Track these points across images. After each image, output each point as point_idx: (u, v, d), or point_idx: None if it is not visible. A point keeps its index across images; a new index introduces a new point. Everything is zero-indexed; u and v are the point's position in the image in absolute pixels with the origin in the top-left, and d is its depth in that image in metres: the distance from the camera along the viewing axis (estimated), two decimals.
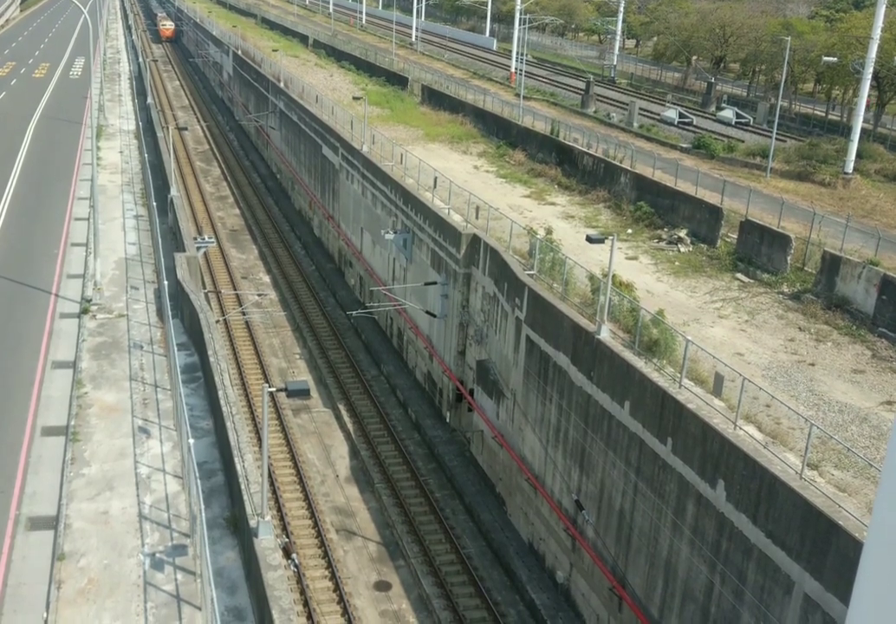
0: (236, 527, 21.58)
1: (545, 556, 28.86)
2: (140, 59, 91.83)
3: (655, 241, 37.22)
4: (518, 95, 64.97)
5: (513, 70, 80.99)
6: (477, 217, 36.86)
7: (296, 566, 27.90)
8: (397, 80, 75.59)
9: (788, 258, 32.27)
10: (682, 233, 36.83)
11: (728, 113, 62.95)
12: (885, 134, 58.27)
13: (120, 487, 22.77)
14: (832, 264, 29.88)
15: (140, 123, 62.25)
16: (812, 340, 27.38)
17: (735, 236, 35.22)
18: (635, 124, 59.39)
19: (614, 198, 42.26)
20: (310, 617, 26.25)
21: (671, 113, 62.33)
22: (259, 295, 49.31)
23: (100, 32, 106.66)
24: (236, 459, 22.02)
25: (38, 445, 24.35)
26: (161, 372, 28.76)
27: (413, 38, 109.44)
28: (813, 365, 25.67)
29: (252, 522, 19.81)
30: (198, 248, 36.42)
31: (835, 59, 52.46)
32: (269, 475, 28.88)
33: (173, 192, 43.48)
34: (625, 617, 24.24)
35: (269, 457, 23.09)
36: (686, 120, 61.14)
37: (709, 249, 35.61)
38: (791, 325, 28.55)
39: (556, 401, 27.34)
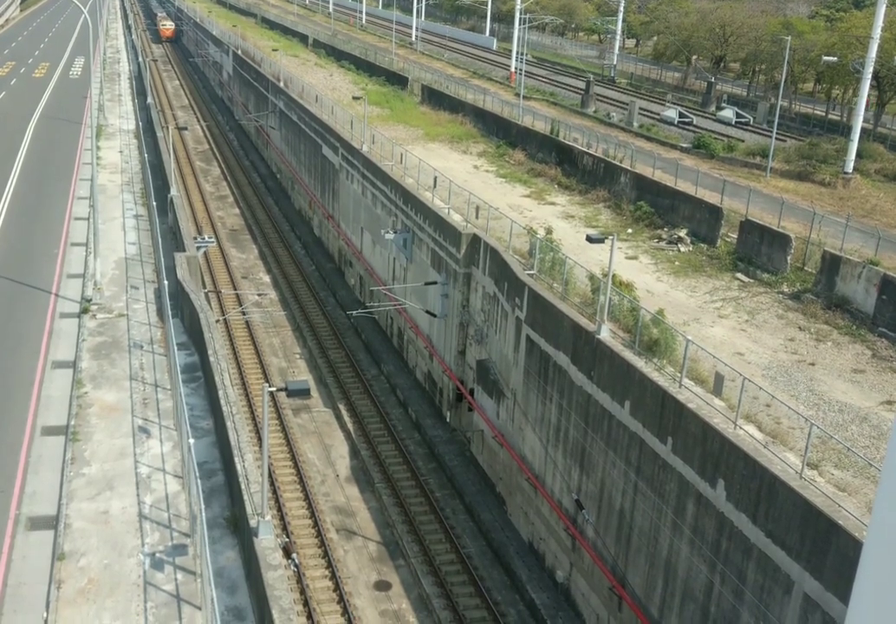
0: (236, 526, 21.58)
1: (545, 555, 28.87)
2: (140, 59, 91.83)
3: (655, 240, 37.22)
4: (518, 95, 64.97)
5: (513, 70, 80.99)
6: (477, 217, 36.86)
7: (296, 566, 27.91)
8: (397, 80, 75.58)
9: (788, 258, 32.27)
10: (682, 232, 36.83)
11: (728, 112, 62.95)
12: (885, 134, 58.27)
13: (120, 486, 22.77)
14: (832, 264, 29.89)
15: (140, 123, 62.25)
16: (812, 340, 27.39)
17: (735, 236, 35.21)
18: (635, 124, 59.39)
19: (614, 197, 42.26)
20: (310, 617, 26.25)
21: (671, 113, 62.33)
22: (259, 295, 49.31)
23: (100, 32, 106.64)
24: (236, 459, 22.02)
25: (38, 445, 24.35)
26: (161, 372, 28.77)
27: (413, 38, 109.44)
28: (813, 365, 25.67)
29: (252, 522, 19.81)
30: (198, 248, 36.43)
31: (835, 58, 52.46)
32: (270, 475, 28.88)
33: (173, 191, 43.48)
34: (625, 617, 24.25)
35: (269, 456, 23.09)
36: (686, 120, 61.14)
37: (709, 249, 35.61)
38: (791, 324, 28.56)
39: (556, 400, 27.34)
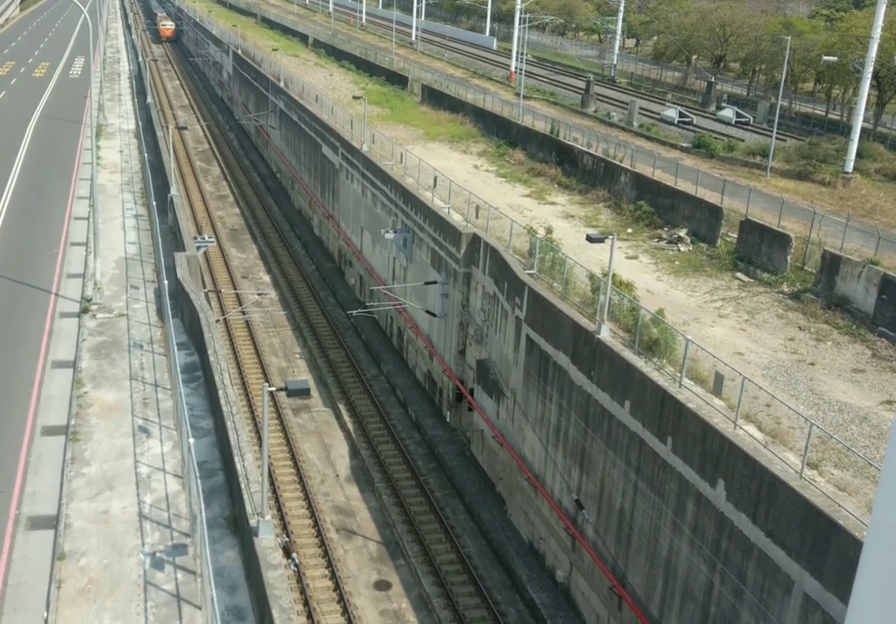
0: (236, 526, 21.59)
1: (545, 555, 28.87)
2: (140, 59, 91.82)
3: (655, 240, 37.22)
4: (518, 95, 64.96)
5: (513, 69, 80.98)
6: (477, 216, 36.86)
7: (296, 565, 27.91)
8: (397, 80, 75.58)
9: (788, 257, 32.27)
10: (682, 232, 36.83)
11: (728, 112, 62.94)
12: (885, 133, 58.26)
13: (120, 486, 22.77)
14: (832, 264, 29.88)
15: (140, 123, 62.24)
16: (812, 340, 27.39)
17: (735, 236, 35.21)
18: (635, 124, 59.39)
19: (614, 197, 42.26)
20: (310, 616, 26.26)
21: (671, 112, 62.32)
22: (259, 294, 49.31)
23: (99, 32, 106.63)
24: (236, 459, 22.02)
25: (38, 445, 24.35)
26: (161, 371, 28.77)
27: (413, 38, 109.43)
28: (813, 364, 25.67)
29: (252, 522, 19.82)
30: (198, 248, 36.42)
31: (835, 58, 52.44)
32: (270, 475, 28.88)
33: (173, 191, 43.48)
34: (625, 616, 24.25)
35: (269, 456, 23.09)
36: (686, 119, 61.14)
37: (709, 249, 35.61)
38: (791, 324, 28.55)
39: (556, 400, 27.34)
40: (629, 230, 38.33)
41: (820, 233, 33.72)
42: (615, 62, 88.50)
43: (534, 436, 29.02)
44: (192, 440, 20.48)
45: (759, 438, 20.71)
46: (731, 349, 26.32)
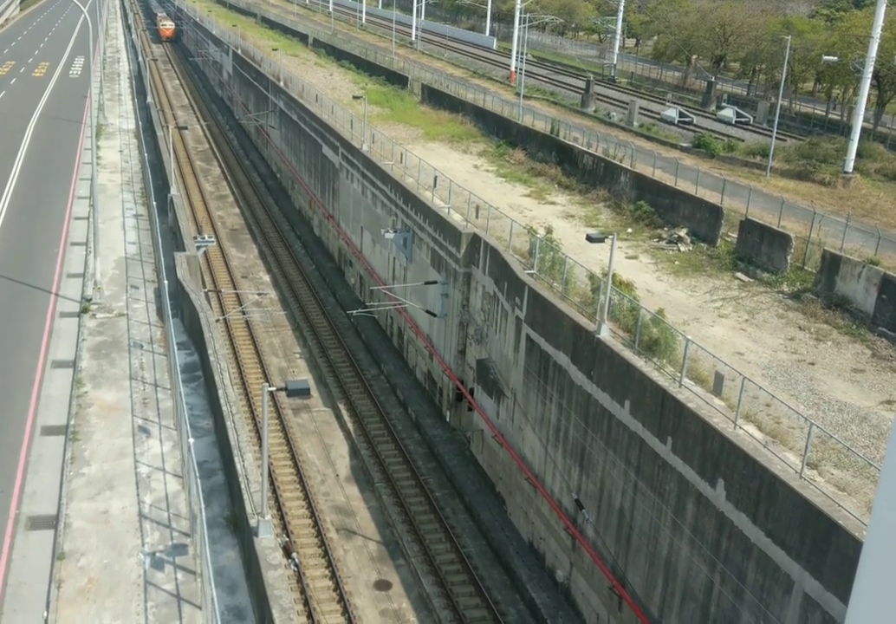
0: (236, 526, 21.59)
1: (545, 555, 28.87)
2: (140, 59, 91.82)
3: (655, 240, 37.22)
4: (518, 94, 64.96)
5: (513, 69, 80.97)
6: (477, 216, 36.86)
7: (296, 565, 27.91)
8: (397, 80, 75.58)
9: (788, 257, 32.27)
10: (682, 232, 36.82)
11: (728, 112, 62.94)
12: (886, 133, 58.26)
13: (120, 486, 22.77)
14: (832, 264, 29.88)
15: (140, 122, 62.24)
16: (812, 340, 27.38)
17: (735, 235, 35.21)
18: (635, 123, 59.38)
19: (614, 197, 42.26)
20: (310, 616, 26.26)
21: (671, 112, 62.32)
22: (259, 294, 49.31)
23: (99, 32, 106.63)
24: (236, 459, 22.02)
25: (38, 445, 24.35)
26: (161, 371, 28.77)
27: (413, 38, 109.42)
28: (813, 364, 25.67)
29: (252, 522, 19.81)
30: (198, 248, 36.42)
31: (835, 58, 52.44)
32: (269, 474, 28.88)
33: (173, 191, 43.48)
34: (625, 616, 24.25)
35: (269, 456, 23.09)
36: (686, 119, 61.13)
37: (709, 249, 35.61)
38: (791, 324, 28.55)
39: (556, 400, 27.34)
40: (629, 230, 38.33)
41: (820, 233, 33.71)
42: (615, 62, 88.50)
43: (534, 436, 29.01)
44: (191, 440, 20.48)
45: (759, 437, 20.71)
46: (731, 349, 26.32)
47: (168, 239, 39.23)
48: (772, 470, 18.46)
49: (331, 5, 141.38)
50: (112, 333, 31.44)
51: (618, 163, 44.06)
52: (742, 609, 19.55)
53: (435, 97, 67.09)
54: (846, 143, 47.32)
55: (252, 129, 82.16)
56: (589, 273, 29.11)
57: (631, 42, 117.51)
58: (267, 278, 52.77)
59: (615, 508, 24.49)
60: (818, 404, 23.38)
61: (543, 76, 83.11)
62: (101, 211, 42.73)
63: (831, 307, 29.15)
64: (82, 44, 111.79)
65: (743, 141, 55.00)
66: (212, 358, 26.98)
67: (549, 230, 35.07)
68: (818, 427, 19.69)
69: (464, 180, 44.15)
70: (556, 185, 45.80)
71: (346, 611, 26.87)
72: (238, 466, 21.74)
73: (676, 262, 34.47)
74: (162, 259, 33.32)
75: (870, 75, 47.25)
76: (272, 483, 31.54)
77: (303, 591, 27.04)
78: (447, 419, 37.06)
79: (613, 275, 25.32)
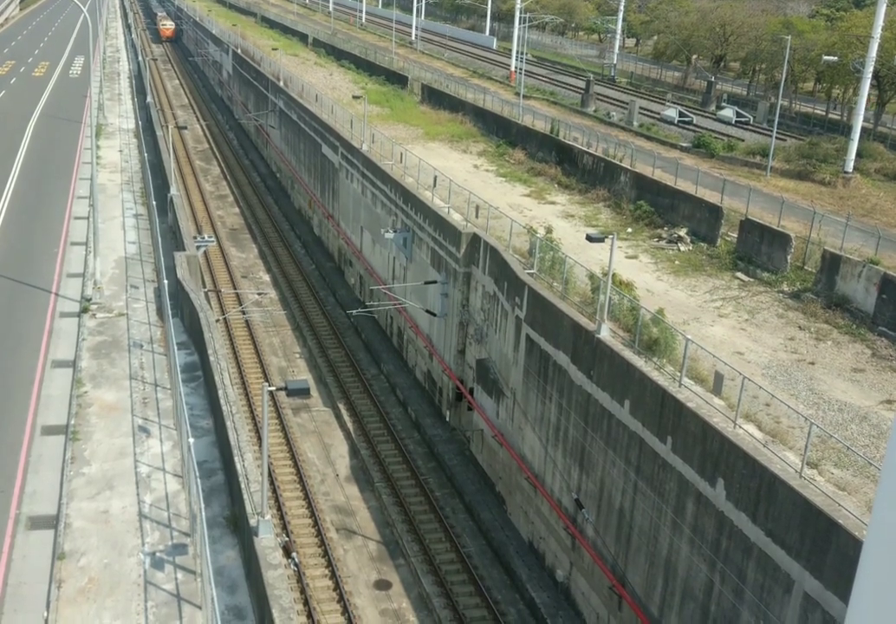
0: (236, 526, 21.59)
1: (545, 554, 28.87)
2: (139, 58, 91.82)
3: (655, 240, 37.22)
4: (518, 94, 64.96)
5: (513, 69, 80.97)
6: (477, 216, 36.86)
7: (296, 565, 27.91)
8: (397, 79, 75.57)
9: (788, 257, 32.27)
10: (682, 232, 36.83)
11: (728, 112, 62.93)
12: (886, 133, 58.27)
13: (120, 486, 22.77)
14: (832, 263, 29.88)
15: (139, 122, 62.25)
16: (812, 339, 27.39)
17: (735, 235, 35.21)
18: (635, 123, 59.38)
19: (614, 197, 42.26)
20: (310, 616, 26.26)
21: (671, 112, 62.32)
22: (259, 294, 49.31)
23: (99, 31, 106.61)
24: (236, 458, 22.02)
25: (38, 445, 24.35)
26: (161, 371, 28.77)
27: (413, 37, 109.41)
28: (813, 364, 25.67)
29: (252, 521, 19.82)
30: (197, 247, 36.43)
31: (835, 58, 52.44)
32: (269, 474, 28.89)
33: (173, 191, 43.48)
34: (624, 616, 24.26)
35: (269, 456, 23.09)
36: (686, 119, 61.13)
37: (709, 248, 35.61)
38: (791, 324, 28.55)
39: (555, 400, 27.34)
40: (629, 230, 38.33)
41: (820, 232, 33.72)
42: (615, 62, 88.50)
43: (533, 435, 29.02)
44: (191, 440, 20.48)
45: (759, 437, 20.72)
46: (731, 349, 26.33)
47: (168, 239, 39.23)
48: (772, 469, 18.47)
49: (331, 5, 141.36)
50: (112, 332, 31.44)
51: (618, 162, 44.07)
52: (742, 608, 19.56)
53: (435, 97, 67.08)
54: (846, 143, 47.32)
55: (252, 128, 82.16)
56: (589, 273, 29.11)
57: (631, 42, 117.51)
58: (267, 278, 52.77)
59: (615, 507, 24.49)
60: (818, 404, 23.39)
61: (543, 76, 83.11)
62: (101, 211, 42.73)
63: (831, 307, 29.15)
64: (82, 43, 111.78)
65: (743, 141, 55.00)
66: (212, 358, 26.98)
67: (548, 230, 35.07)
68: (818, 426, 19.70)
69: (464, 180, 44.15)
70: (555, 185, 45.80)
71: (346, 611, 26.87)
72: (238, 466, 21.75)
73: (676, 262, 34.47)
74: (162, 259, 33.32)
75: (870, 75, 47.25)
76: (272, 483, 31.55)
77: (303, 590, 27.04)
78: (447, 419, 37.06)
79: (613, 274, 25.32)
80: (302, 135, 60.43)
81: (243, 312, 45.73)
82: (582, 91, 69.03)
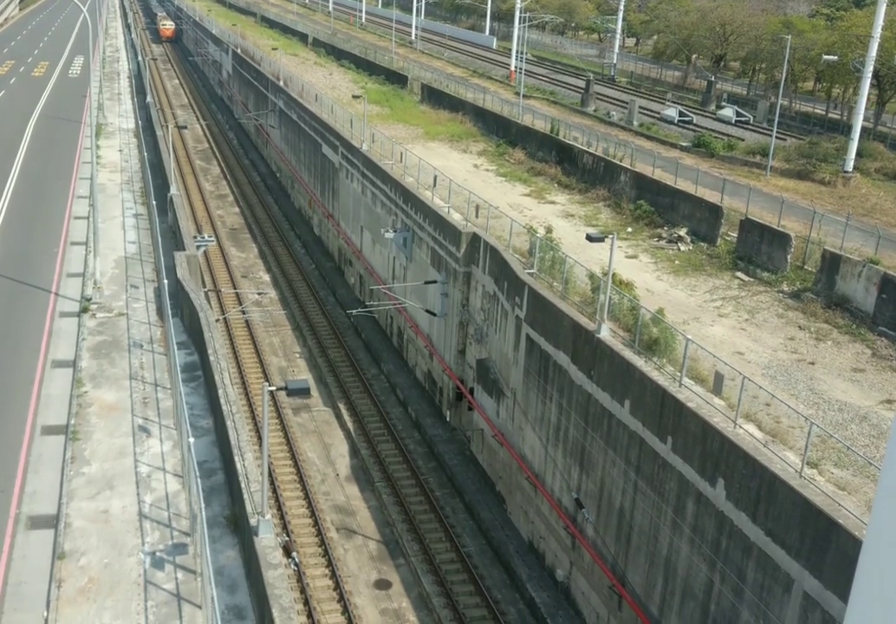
0: (236, 525, 21.59)
1: (545, 554, 28.88)
2: (139, 58, 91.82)
3: (655, 239, 37.23)
4: (518, 94, 64.95)
5: (512, 68, 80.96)
6: (477, 216, 36.86)
7: (296, 565, 27.92)
8: (397, 79, 75.57)
9: (788, 257, 32.27)
10: (682, 231, 36.83)
11: (728, 111, 62.94)
12: (886, 132, 58.28)
13: (120, 485, 22.78)
14: (832, 263, 29.89)
15: (139, 122, 62.24)
16: (812, 339, 27.39)
17: (735, 235, 35.21)
18: (635, 123, 59.38)
19: (614, 196, 42.26)
20: (310, 615, 26.27)
21: (671, 111, 62.31)
22: (259, 294, 49.31)
23: (99, 31, 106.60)
24: (236, 458, 22.03)
25: (38, 444, 24.35)
26: (161, 371, 28.77)
27: (413, 37, 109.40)
28: (813, 364, 25.67)
29: (252, 521, 19.82)
30: (197, 247, 36.43)
31: (835, 57, 52.44)
32: (270, 474, 28.89)
33: (173, 190, 43.48)
34: (624, 615, 24.26)
35: (269, 455, 23.09)
36: (686, 118, 61.13)
37: (709, 248, 35.61)
38: (791, 323, 28.56)
39: (556, 399, 27.35)
40: (629, 229, 38.34)
41: (820, 232, 33.72)
42: (615, 61, 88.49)
43: (534, 435, 29.02)
44: (191, 439, 20.48)
45: (759, 437, 20.72)
46: (731, 348, 26.33)
47: (168, 238, 39.23)
48: (772, 469, 18.47)
49: (330, 4, 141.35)
50: (112, 332, 31.45)
51: (618, 162, 44.06)
52: (742, 608, 19.56)
53: (435, 96, 67.08)
54: (846, 143, 47.32)
55: (252, 128, 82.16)
56: (589, 272, 29.11)
57: (631, 41, 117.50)
58: (267, 278, 52.77)
59: (615, 507, 24.50)
60: (818, 404, 23.39)
61: (543, 75, 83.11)
62: (101, 210, 42.73)
63: (831, 307, 29.15)
64: (82, 43, 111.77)
65: (743, 140, 55.01)
66: (212, 357, 26.99)
67: (548, 230, 35.07)
68: (818, 426, 19.70)
69: (463, 180, 44.15)
70: (555, 185, 45.80)
71: (346, 610, 26.88)
72: (238, 466, 21.75)
73: (676, 262, 34.47)
74: (162, 258, 33.32)
75: (870, 75, 47.25)
76: (272, 482, 31.55)
77: (303, 590, 27.05)
78: (447, 419, 37.07)
79: (613, 274, 25.32)
80: (302, 134, 60.43)
81: (243, 312, 45.74)
82: (582, 90, 69.02)
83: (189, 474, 21.23)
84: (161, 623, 18.37)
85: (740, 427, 20.56)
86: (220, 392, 24.93)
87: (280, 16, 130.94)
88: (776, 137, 49.78)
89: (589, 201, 42.86)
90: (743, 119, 61.51)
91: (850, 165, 46.25)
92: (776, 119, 50.40)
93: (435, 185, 40.36)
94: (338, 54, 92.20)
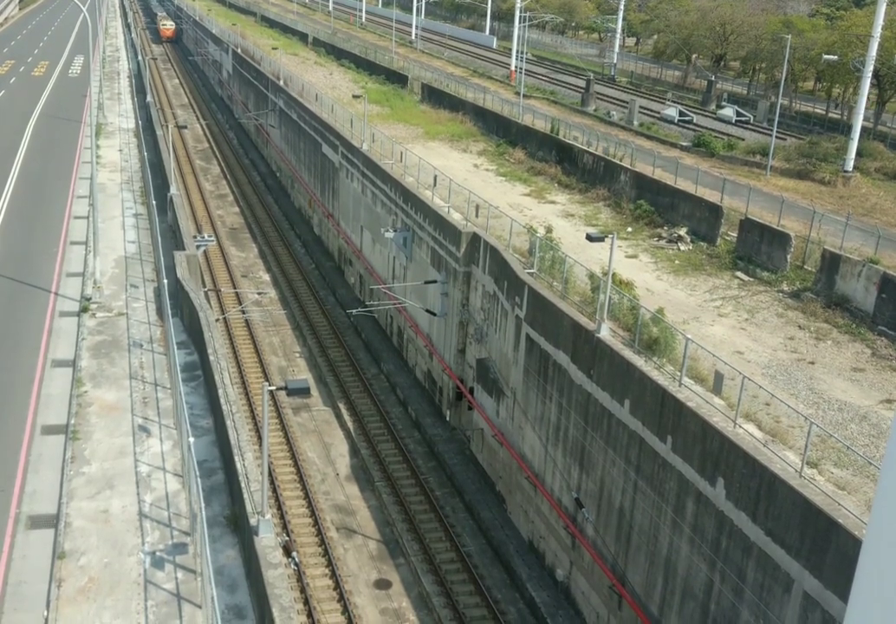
0: (236, 525, 21.60)
1: (545, 554, 28.88)
2: (139, 57, 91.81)
3: (655, 239, 37.22)
4: (518, 94, 64.94)
5: (513, 68, 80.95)
6: (477, 215, 36.86)
7: (296, 564, 27.92)
8: (397, 79, 75.57)
9: (788, 256, 32.28)
10: (682, 231, 36.83)
11: (728, 111, 62.93)
12: (886, 132, 58.28)
13: (120, 485, 22.78)
14: (832, 263, 29.89)
15: (139, 122, 62.24)
16: (812, 339, 27.39)
17: (735, 235, 35.21)
18: (635, 122, 59.38)
19: (614, 196, 42.25)
20: (310, 615, 26.27)
21: (671, 111, 62.31)
22: (259, 293, 49.31)
23: (99, 31, 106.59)
24: (236, 458, 22.03)
25: (38, 444, 24.36)
26: (161, 370, 28.77)
27: (413, 37, 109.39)
28: (813, 363, 25.67)
29: (252, 521, 19.82)
30: (197, 247, 36.42)
31: (835, 57, 52.45)
32: (270, 474, 28.88)
33: (173, 190, 43.48)
34: (624, 615, 24.27)
35: (269, 455, 23.10)
36: (686, 118, 61.13)
37: (709, 248, 35.61)
38: (791, 323, 28.56)
39: (555, 399, 27.35)
40: (629, 229, 38.33)
41: (820, 232, 33.72)
42: (615, 61, 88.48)
43: (533, 435, 29.02)
44: (191, 439, 20.48)
45: (759, 436, 20.72)
46: (731, 348, 26.33)
47: (168, 238, 39.23)
48: (771, 469, 18.47)
49: (331, 4, 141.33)
50: (112, 332, 31.45)
51: (618, 162, 44.06)
52: (742, 608, 19.57)
53: (435, 96, 67.08)
54: (846, 142, 47.32)
55: (252, 128, 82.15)
56: (589, 272, 29.11)
57: (631, 41, 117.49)
58: (266, 277, 52.77)
59: (615, 506, 24.50)
60: (818, 403, 23.39)
61: (543, 75, 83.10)
62: (101, 210, 42.73)
63: (831, 306, 29.16)
64: (82, 43, 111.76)
65: (743, 140, 55.00)
66: (211, 357, 26.99)
67: (548, 229, 35.07)
68: (818, 426, 19.70)
69: (464, 179, 44.15)
70: (555, 185, 45.80)
71: (346, 610, 26.88)
72: (238, 465, 21.75)
73: (676, 262, 34.47)
74: (161, 258, 33.32)
75: (870, 74, 47.25)
76: (272, 482, 31.55)
77: (303, 590, 27.05)
78: (447, 418, 37.07)
79: (613, 274, 25.32)
80: (302, 134, 60.43)
81: (243, 312, 45.74)
82: (582, 90, 69.01)
83: (189, 474, 21.23)
84: (161, 623, 18.38)
85: (740, 427, 20.56)
86: (220, 392, 24.94)
87: (280, 15, 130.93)
88: (776, 137, 49.78)
89: (589, 201, 42.86)
90: (743, 119, 61.51)
91: (850, 165, 46.25)
92: (776, 119, 50.40)
93: (435, 185, 40.36)
94: (338, 54, 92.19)
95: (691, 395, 21.86)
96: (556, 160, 48.21)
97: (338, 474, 34.23)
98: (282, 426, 36.59)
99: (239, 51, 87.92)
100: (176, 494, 22.54)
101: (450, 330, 36.19)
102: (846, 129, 54.41)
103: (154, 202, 41.37)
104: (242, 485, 21.08)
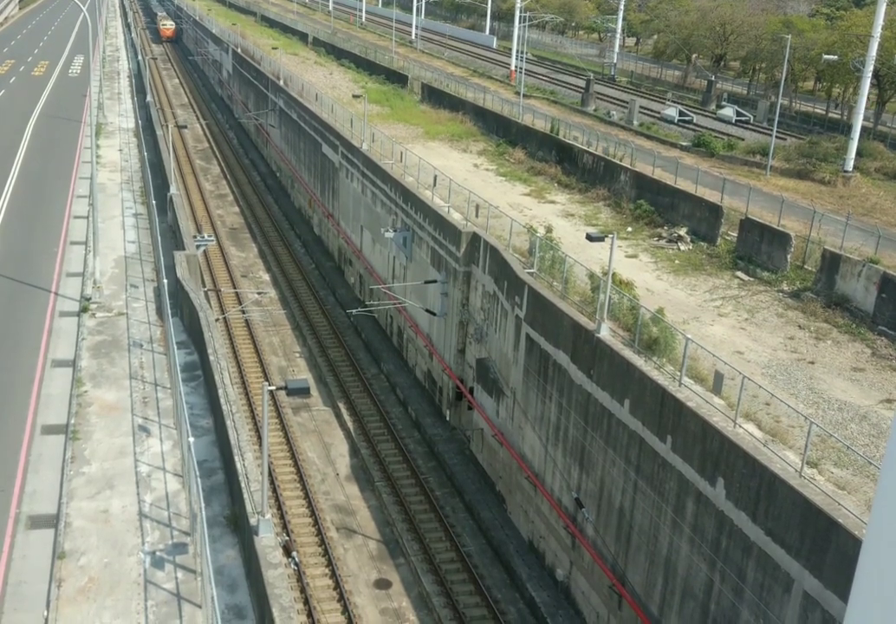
0: (236, 525, 21.60)
1: (545, 554, 28.88)
2: (139, 57, 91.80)
3: (655, 239, 37.22)
4: (518, 93, 64.94)
5: (513, 68, 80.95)
6: (477, 215, 36.86)
7: (296, 564, 27.92)
8: (397, 79, 75.56)
9: (788, 256, 32.27)
10: (682, 231, 36.83)
11: (728, 111, 62.93)
12: (886, 132, 58.28)
13: (120, 485, 22.78)
14: (832, 262, 29.89)
15: (139, 121, 62.24)
16: (812, 339, 27.39)
17: (735, 234, 35.21)
18: (635, 122, 59.37)
19: (614, 196, 42.25)
20: (310, 615, 26.27)
21: (671, 111, 62.31)
22: (259, 293, 49.31)
23: (99, 30, 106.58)
24: (236, 458, 22.03)
25: (38, 444, 24.36)
26: (161, 370, 28.77)
27: (413, 36, 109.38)
28: (813, 363, 25.67)
29: (252, 521, 19.82)
30: (197, 247, 36.42)
31: (835, 57, 52.46)
32: (270, 473, 28.88)
33: (173, 190, 43.48)
34: (624, 615, 24.27)
35: (269, 455, 23.10)
36: (686, 118, 61.13)
37: (709, 248, 35.61)
38: (791, 323, 28.56)
39: (555, 399, 27.35)
40: (629, 229, 38.33)
41: (820, 231, 33.72)
42: (615, 61, 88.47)
43: (533, 435, 29.02)
44: (191, 439, 20.48)
45: (759, 436, 20.72)
46: (731, 348, 26.33)
47: (168, 238, 39.23)
48: (771, 469, 18.47)
49: (331, 4, 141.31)
50: (112, 332, 31.45)
51: (618, 162, 44.06)
52: (742, 608, 19.57)
53: (435, 96, 67.07)
54: (846, 142, 47.32)
55: (252, 127, 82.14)
56: (589, 272, 29.11)
57: (631, 41, 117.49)
58: (266, 277, 52.77)
59: (615, 506, 24.50)
60: (818, 403, 23.39)
61: (543, 75, 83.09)
62: (101, 210, 42.72)
63: (831, 306, 29.16)
64: (82, 42, 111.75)
65: (743, 140, 55.00)
66: (211, 357, 26.99)
67: (548, 229, 35.07)
68: (818, 426, 19.70)
69: (464, 179, 44.15)
70: (555, 184, 45.80)
71: (346, 610, 26.88)
72: (238, 465, 21.75)
73: (676, 261, 34.47)
74: (161, 258, 33.31)
75: (870, 74, 47.25)
76: (272, 482, 31.55)
77: (303, 590, 27.06)
78: (447, 418, 37.07)
79: (613, 274, 25.32)
80: (302, 134, 60.43)
81: (243, 312, 45.74)
82: (582, 90, 69.01)
83: (189, 474, 21.23)
84: (161, 623, 18.38)
85: (740, 426, 20.56)
86: (220, 392, 24.94)
87: (280, 15, 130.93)
88: (776, 137, 49.78)
89: (589, 201, 42.86)
90: (743, 119, 61.51)
91: (850, 165, 46.25)
92: (776, 118, 50.39)
93: (435, 185, 40.36)
94: (338, 54, 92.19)
95: (691, 394, 21.86)
96: (556, 160, 48.21)
97: (338, 474, 34.23)
98: (282, 426, 36.58)
99: (239, 50, 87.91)
100: (176, 494, 22.54)
101: (450, 330, 36.19)
102: (846, 129, 54.41)
103: (154, 202, 41.37)
104: (242, 485, 21.08)
